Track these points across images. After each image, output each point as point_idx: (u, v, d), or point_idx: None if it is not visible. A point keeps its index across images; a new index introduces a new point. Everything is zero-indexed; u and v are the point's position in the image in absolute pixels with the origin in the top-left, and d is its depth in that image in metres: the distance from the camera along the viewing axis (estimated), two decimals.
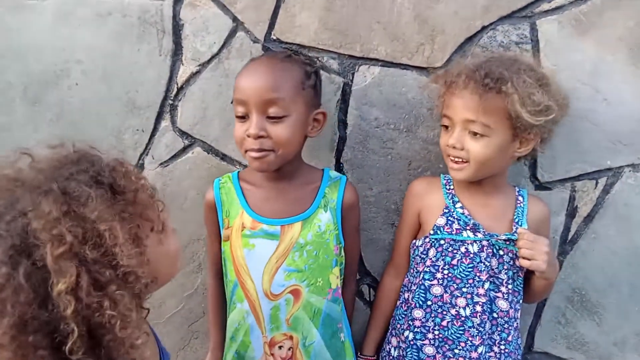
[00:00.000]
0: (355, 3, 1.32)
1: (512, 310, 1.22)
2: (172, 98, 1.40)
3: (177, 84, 1.39)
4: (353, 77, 1.35)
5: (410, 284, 1.29)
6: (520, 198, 1.26)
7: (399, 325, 1.29)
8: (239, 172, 1.28)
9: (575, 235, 1.40)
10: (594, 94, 1.30)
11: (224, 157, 1.44)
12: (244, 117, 1.13)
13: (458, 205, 1.24)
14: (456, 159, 1.16)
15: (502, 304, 1.21)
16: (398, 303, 1.32)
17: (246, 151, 1.14)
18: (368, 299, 1.50)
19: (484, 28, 1.30)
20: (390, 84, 1.35)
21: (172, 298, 1.51)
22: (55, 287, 0.65)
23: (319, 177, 1.26)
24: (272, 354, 1.23)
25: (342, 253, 1.26)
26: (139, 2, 1.35)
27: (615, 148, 1.33)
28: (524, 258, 1.14)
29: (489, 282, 1.20)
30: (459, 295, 1.21)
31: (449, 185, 1.28)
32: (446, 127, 1.19)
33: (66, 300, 0.65)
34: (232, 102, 1.17)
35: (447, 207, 1.25)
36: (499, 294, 1.21)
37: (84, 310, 0.67)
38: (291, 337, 1.22)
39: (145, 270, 0.74)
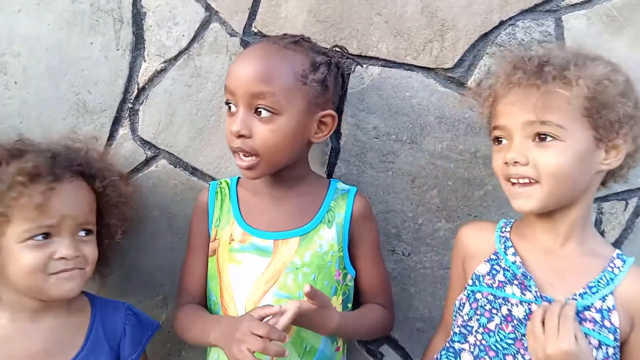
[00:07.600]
0: None
1: None
2: (131, 101, 1.30)
3: (138, 84, 1.29)
4: (348, 79, 1.25)
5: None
6: (616, 262, 0.96)
7: None
8: (239, 177, 1.19)
9: None
10: None
11: (194, 171, 1.30)
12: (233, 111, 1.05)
13: (510, 250, 1.00)
14: (521, 180, 0.91)
15: None
16: None
17: (234, 153, 1.05)
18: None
19: (502, 23, 1.22)
20: (392, 88, 1.26)
21: None
22: None
23: (324, 187, 1.15)
24: None
25: (347, 281, 1.14)
26: None
27: None
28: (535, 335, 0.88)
29: None
30: None
31: (505, 228, 1.05)
32: (499, 140, 0.96)
33: None
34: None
35: (495, 253, 1.02)
36: None
37: None
38: None
39: None
